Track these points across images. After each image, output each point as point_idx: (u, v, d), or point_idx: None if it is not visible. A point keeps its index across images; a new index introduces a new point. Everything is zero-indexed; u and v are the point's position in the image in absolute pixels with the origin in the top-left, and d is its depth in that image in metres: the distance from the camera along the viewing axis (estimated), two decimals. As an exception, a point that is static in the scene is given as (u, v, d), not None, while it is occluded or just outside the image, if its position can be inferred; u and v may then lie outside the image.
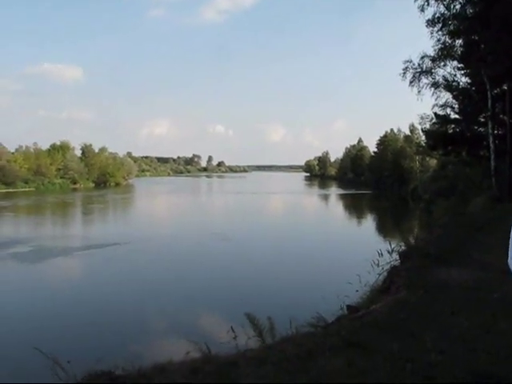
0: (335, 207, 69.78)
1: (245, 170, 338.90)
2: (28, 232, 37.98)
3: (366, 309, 9.94)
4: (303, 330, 7.79)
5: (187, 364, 5.49)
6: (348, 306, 10.95)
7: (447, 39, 31.38)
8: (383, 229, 43.32)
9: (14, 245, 29.81)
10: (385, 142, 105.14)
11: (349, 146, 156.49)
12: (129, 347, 13.01)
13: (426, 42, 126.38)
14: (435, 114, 36.08)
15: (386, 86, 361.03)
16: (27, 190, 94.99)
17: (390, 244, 14.41)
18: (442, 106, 35.29)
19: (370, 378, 4.96)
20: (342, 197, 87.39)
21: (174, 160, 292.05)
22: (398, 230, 41.56)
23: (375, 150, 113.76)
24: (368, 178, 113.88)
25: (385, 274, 12.48)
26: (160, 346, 13.30)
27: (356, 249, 29.70)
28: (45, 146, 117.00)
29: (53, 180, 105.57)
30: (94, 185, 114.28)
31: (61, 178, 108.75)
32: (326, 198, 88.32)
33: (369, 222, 49.14)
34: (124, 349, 12.63)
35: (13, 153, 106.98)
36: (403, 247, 15.01)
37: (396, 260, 13.40)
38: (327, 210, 64.48)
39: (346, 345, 6.03)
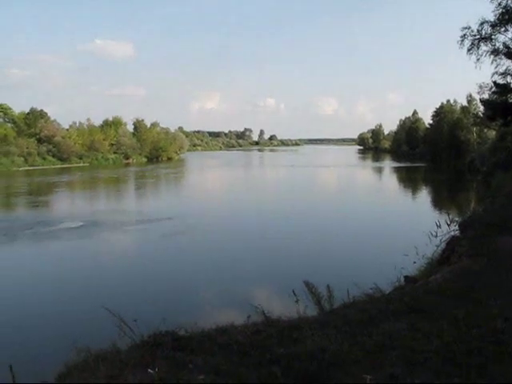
0: (390, 180, 68.78)
1: (297, 144, 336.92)
2: (82, 207, 39.01)
3: (424, 279, 9.84)
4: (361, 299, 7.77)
5: (249, 327, 5.57)
6: (406, 277, 10.85)
7: (509, 3, 30.08)
8: (440, 201, 42.50)
9: (71, 220, 30.60)
10: (441, 113, 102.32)
11: (403, 119, 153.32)
12: (191, 311, 13.45)
13: (486, 7, 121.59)
14: (495, 82, 34.64)
15: (442, 56, 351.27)
16: (81, 165, 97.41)
17: (448, 215, 14.13)
18: (502, 74, 33.85)
19: (436, 341, 4.91)
20: (397, 170, 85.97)
21: (225, 134, 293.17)
22: (455, 202, 41.01)
23: (430, 122, 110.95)
24: (423, 151, 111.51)
25: (443, 245, 12.30)
26: (221, 311, 13.66)
27: (412, 221, 29.36)
28: (98, 122, 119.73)
29: (106, 155, 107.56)
30: (146, 159, 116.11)
31: (114, 153, 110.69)
32: (380, 170, 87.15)
33: (425, 195, 48.22)
34: (187, 312, 13.04)
35: (67, 129, 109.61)
36: (463, 218, 14.72)
37: (455, 230, 13.17)
38: (382, 183, 63.57)
39: (409, 310, 5.99)
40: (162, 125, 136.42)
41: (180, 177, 73.98)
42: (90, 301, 14.50)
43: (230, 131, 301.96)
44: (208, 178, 72.92)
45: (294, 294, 7.57)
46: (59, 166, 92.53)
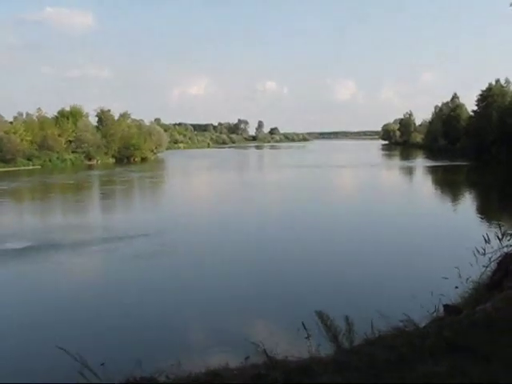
0: (423, 184, 68.81)
1: (304, 139, 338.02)
2: (30, 223, 38.87)
3: (470, 309, 9.83)
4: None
5: (248, 369, 5.57)
6: (445, 306, 10.81)
7: None
8: (488, 209, 42.57)
9: (14, 240, 29.79)
10: (488, 97, 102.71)
11: (440, 105, 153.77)
12: (174, 351, 13.33)
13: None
14: None
15: (488, 25, 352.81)
16: (31, 168, 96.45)
17: (499, 227, 14.13)
18: None
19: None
20: (432, 170, 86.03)
21: (214, 128, 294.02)
22: (508, 211, 40.97)
23: (475, 108, 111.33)
24: (465, 145, 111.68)
25: (494, 264, 12.27)
26: (212, 350, 13.67)
27: (453, 235, 29.44)
28: (51, 112, 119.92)
29: (62, 155, 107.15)
30: (114, 160, 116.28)
31: (72, 152, 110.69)
32: (410, 171, 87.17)
33: (468, 202, 48.26)
34: (169, 352, 12.96)
35: (11, 122, 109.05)
36: (520, 229, 14.72)
37: (509, 246, 13.14)
38: (413, 188, 63.56)
39: (451, 348, 5.98)
40: (133, 116, 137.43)
41: (157, 183, 74.06)
42: (42, 341, 14.41)
43: (220, 124, 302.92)
44: (193, 185, 72.96)
45: (304, 327, 7.55)
46: (1, 169, 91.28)
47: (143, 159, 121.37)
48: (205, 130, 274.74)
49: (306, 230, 32.88)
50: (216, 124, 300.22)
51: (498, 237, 13.10)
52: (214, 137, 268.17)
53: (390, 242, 28.74)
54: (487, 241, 12.89)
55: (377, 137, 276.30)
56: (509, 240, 13.05)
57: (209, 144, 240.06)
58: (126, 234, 31.10)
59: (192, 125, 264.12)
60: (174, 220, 38.06)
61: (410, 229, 32.80)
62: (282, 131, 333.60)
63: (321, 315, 8.02)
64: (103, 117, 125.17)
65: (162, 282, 21.95)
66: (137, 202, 54.05)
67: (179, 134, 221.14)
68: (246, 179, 78.11)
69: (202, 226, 35.57)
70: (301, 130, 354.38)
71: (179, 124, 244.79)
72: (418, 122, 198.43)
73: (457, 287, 11.71)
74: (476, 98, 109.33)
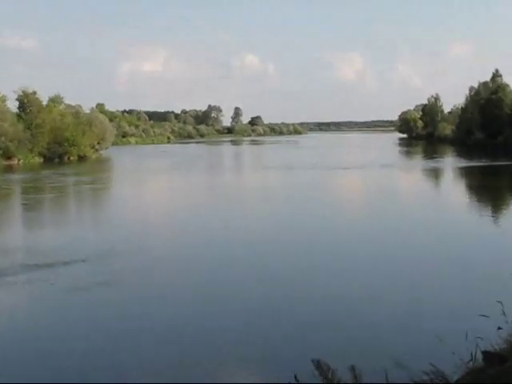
0: (454, 192, 68.81)
1: (296, 131, 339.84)
2: None
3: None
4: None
5: None
6: (485, 353, 10.76)
7: None
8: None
9: None
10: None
11: (476, 86, 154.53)
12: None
13: None
14: None
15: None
16: None
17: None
18: None
19: None
20: (466, 173, 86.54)
21: (176, 116, 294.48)
22: None
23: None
24: (510, 139, 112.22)
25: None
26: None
27: (494, 260, 29.40)
28: None
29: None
30: (42, 159, 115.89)
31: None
32: (437, 175, 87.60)
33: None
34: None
35: None
36: None
37: None
38: (441, 197, 63.70)
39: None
40: (68, 101, 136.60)
41: (99, 190, 72.96)
42: None
43: (184, 111, 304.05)
44: (146, 194, 72.05)
45: (297, 380, 7.48)
46: None
47: (81, 158, 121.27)
48: (164, 120, 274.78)
49: (301, 256, 32.63)
50: (179, 112, 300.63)
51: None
52: (176, 129, 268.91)
53: (410, 269, 28.61)
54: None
55: (392, 128, 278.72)
56: None
57: (169, 138, 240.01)
58: (57, 258, 30.57)
59: (147, 113, 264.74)
60: (122, 240, 37.62)
61: (436, 252, 32.55)
62: (266, 121, 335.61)
63: (319, 365, 7.92)
64: (27, 101, 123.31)
65: (104, 327, 21.57)
66: (72, 216, 53.56)
67: (130, 124, 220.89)
68: (218, 187, 77.51)
69: (157, 248, 35.30)
70: (292, 119, 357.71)
71: (130, 112, 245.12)
72: (446, 109, 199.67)
73: (500, 328, 11.62)
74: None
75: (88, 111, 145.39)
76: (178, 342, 19.23)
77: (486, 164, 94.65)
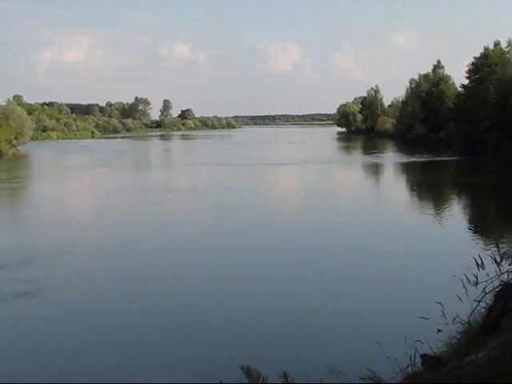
0: (394, 189, 69.35)
1: (230, 125, 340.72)
2: None
3: (457, 360, 9.83)
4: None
5: None
6: (424, 357, 10.82)
7: None
8: (484, 224, 43.41)
9: None
10: (484, 66, 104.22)
11: (417, 78, 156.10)
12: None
13: None
14: None
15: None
16: None
17: (497, 247, 14.24)
18: None
19: None
20: (406, 169, 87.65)
21: (101, 110, 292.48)
22: (510, 225, 41.79)
23: (465, 82, 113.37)
24: (452, 134, 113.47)
25: (489, 297, 12.33)
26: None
27: (434, 259, 29.84)
28: None
29: None
30: None
31: None
32: (376, 171, 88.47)
33: (456, 214, 48.94)
34: None
35: None
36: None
37: (511, 272, 13.22)
38: (380, 195, 64.15)
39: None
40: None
41: (16, 189, 71.60)
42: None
43: (109, 104, 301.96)
44: (67, 192, 71.05)
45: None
46: None
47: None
48: (88, 114, 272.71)
49: (229, 263, 32.24)
50: (104, 104, 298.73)
51: (494, 260, 13.07)
52: (100, 122, 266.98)
53: (347, 272, 28.79)
54: (480, 266, 12.87)
55: (331, 122, 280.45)
56: (509, 264, 13.12)
57: (93, 133, 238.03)
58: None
59: (69, 105, 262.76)
60: (37, 244, 37.16)
61: (376, 254, 32.71)
62: (197, 114, 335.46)
63: (248, 371, 7.87)
64: None
65: (24, 340, 21.28)
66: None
67: (50, 118, 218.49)
68: (144, 185, 76.70)
69: (75, 253, 34.78)
70: (225, 113, 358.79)
71: (50, 104, 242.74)
72: (387, 102, 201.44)
73: (440, 330, 11.68)
74: (467, 69, 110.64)
75: (4, 103, 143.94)
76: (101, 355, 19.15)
77: (427, 159, 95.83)
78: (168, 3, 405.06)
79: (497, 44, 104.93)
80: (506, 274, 12.68)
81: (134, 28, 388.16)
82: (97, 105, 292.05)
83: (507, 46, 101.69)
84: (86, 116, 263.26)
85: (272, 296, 25.28)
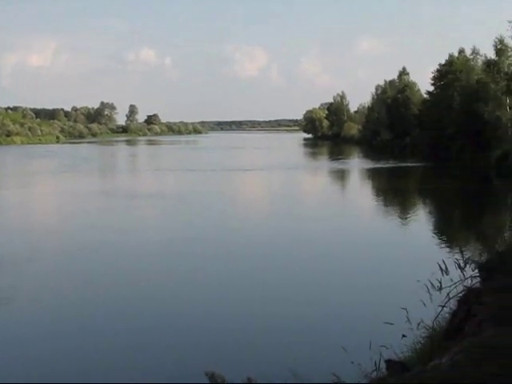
0: (359, 194, 69.63)
1: (196, 130, 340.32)
2: None
3: (421, 366, 9.95)
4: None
5: None
6: (388, 362, 10.94)
7: None
8: (447, 229, 43.62)
9: None
10: (449, 73, 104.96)
11: (383, 84, 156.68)
12: None
13: None
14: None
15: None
16: None
17: (460, 252, 14.41)
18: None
19: None
20: (372, 175, 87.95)
21: (66, 114, 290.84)
22: (473, 229, 42.20)
23: (431, 89, 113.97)
24: (418, 140, 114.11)
25: (453, 303, 12.49)
26: None
27: (399, 264, 30.16)
28: None
29: None
30: None
31: None
32: (342, 177, 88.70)
33: (421, 220, 49.20)
34: None
35: None
36: (486, 256, 15.05)
37: (473, 278, 13.38)
38: (346, 201, 64.32)
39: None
40: None
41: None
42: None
43: (75, 109, 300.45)
44: (28, 198, 70.29)
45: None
46: None
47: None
48: (53, 118, 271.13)
49: (195, 268, 32.16)
50: (69, 109, 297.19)
51: (458, 265, 13.26)
52: (66, 127, 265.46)
53: (312, 275, 28.92)
54: (444, 271, 13.04)
55: (298, 128, 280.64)
56: (473, 270, 13.28)
57: (58, 138, 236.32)
58: None
59: (33, 110, 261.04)
60: (7, 251, 36.45)
61: (341, 260, 33.00)
62: (164, 120, 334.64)
63: (213, 377, 7.94)
64: None
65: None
66: None
67: (14, 122, 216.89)
68: (110, 190, 75.98)
69: (45, 257, 34.63)
70: (191, 118, 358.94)
71: (14, 108, 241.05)
72: (353, 108, 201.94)
73: (404, 335, 11.86)
74: (432, 75, 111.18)
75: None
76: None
77: (393, 165, 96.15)
78: (134, 8, 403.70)
79: (461, 51, 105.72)
80: (469, 279, 12.87)
81: (100, 32, 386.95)
82: (62, 109, 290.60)
83: (471, 54, 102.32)
84: (51, 121, 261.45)
85: (237, 301, 25.43)
